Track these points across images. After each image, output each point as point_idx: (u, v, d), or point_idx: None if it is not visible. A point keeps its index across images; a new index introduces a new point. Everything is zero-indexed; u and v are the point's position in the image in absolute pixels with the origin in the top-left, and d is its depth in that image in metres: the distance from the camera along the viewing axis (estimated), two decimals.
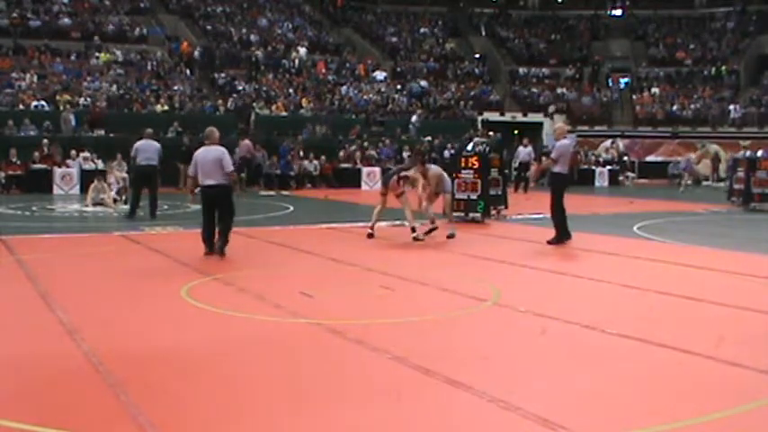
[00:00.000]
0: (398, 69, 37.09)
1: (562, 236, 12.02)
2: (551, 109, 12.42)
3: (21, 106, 25.88)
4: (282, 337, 6.40)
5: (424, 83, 36.05)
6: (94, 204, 17.67)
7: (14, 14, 31.45)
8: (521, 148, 26.40)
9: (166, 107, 27.89)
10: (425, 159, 13.41)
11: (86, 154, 23.21)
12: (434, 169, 13.26)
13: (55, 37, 30.97)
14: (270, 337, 6.40)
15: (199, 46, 33.10)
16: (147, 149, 15.32)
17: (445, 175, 13.35)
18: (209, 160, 10.29)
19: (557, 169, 12.08)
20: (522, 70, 40.18)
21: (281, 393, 5.00)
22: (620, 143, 34.35)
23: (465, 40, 42.50)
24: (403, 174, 12.74)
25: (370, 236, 12.44)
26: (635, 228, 14.47)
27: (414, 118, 31.37)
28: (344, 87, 33.37)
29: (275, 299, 7.71)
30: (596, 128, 36.67)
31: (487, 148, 16.64)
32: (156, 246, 11.36)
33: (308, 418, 4.53)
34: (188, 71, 31.57)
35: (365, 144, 27.96)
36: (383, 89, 34.17)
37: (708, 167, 32.80)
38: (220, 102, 29.33)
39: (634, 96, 38.64)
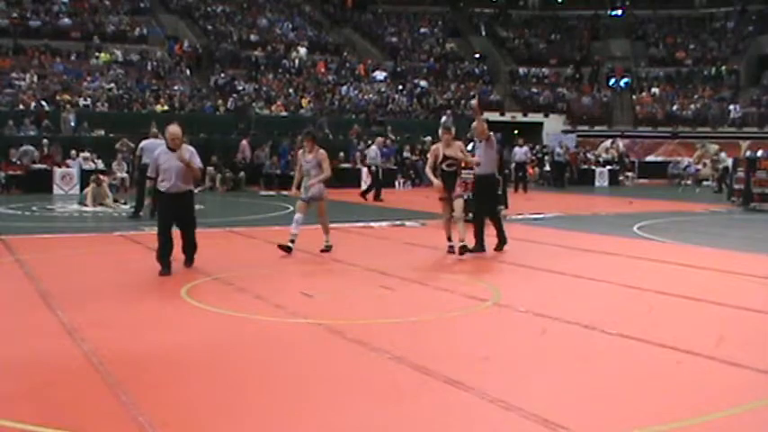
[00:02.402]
0: (399, 69, 37.10)
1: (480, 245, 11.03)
2: (472, 102, 11.24)
3: (21, 106, 25.88)
4: (282, 337, 6.40)
5: (423, 83, 36.07)
6: (95, 204, 17.68)
7: (14, 14, 31.45)
8: (517, 149, 26.42)
9: (166, 107, 27.89)
10: (315, 139, 10.88)
11: (86, 154, 23.20)
12: (321, 153, 10.77)
13: (55, 37, 30.98)
14: (270, 337, 6.40)
15: (187, 42, 33.12)
16: (152, 149, 15.32)
17: (326, 171, 10.77)
18: None
19: (483, 171, 10.99)
20: (522, 70, 40.21)
21: (281, 393, 5.00)
22: (620, 143, 34.36)
23: (465, 40, 42.52)
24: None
25: (452, 249, 10.77)
26: (635, 228, 14.47)
27: (444, 119, 31.45)
28: (344, 87, 33.37)
29: (275, 299, 7.71)
30: (596, 128, 36.71)
31: None
32: (156, 246, 11.33)
33: (308, 418, 4.53)
34: (188, 71, 31.59)
35: (367, 143, 27.97)
36: (383, 89, 34.18)
37: (708, 167, 32.79)
38: (220, 102, 29.34)
39: (634, 96, 38.66)
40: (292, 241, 10.53)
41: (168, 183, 9.05)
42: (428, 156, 11.25)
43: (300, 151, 10.95)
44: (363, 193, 21.85)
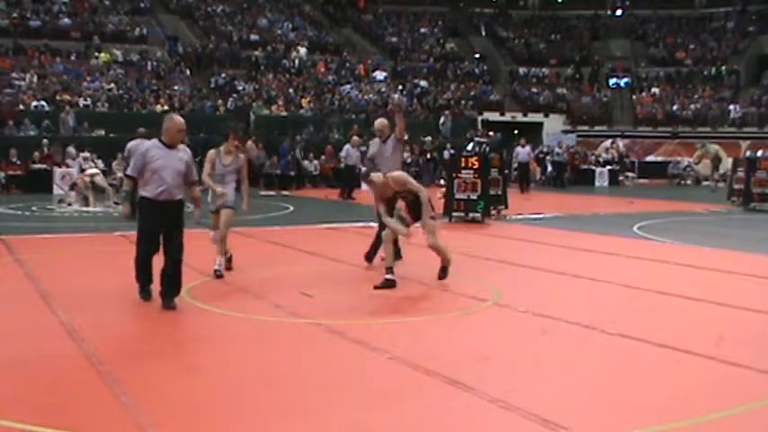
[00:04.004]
0: (399, 69, 37.10)
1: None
2: (395, 97, 10.01)
3: (21, 106, 25.89)
4: (282, 337, 6.40)
5: (423, 83, 36.09)
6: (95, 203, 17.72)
7: (14, 14, 31.45)
8: (519, 149, 26.39)
9: (166, 107, 27.89)
10: (238, 137, 9.45)
11: (86, 154, 23.18)
12: (242, 158, 9.39)
13: (55, 37, 30.98)
14: (270, 337, 6.40)
15: (181, 45, 33.16)
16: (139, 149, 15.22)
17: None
18: None
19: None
20: (522, 70, 40.21)
21: (281, 393, 5.00)
22: (620, 143, 34.36)
23: (465, 40, 42.51)
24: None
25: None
26: (635, 228, 14.47)
27: (442, 119, 31.49)
28: (344, 87, 33.37)
29: (275, 299, 7.71)
30: (596, 128, 36.69)
31: (487, 148, 16.66)
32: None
33: (308, 418, 4.53)
34: (188, 71, 31.60)
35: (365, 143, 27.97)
36: (383, 89, 34.19)
37: (708, 167, 32.78)
38: (220, 102, 29.34)
39: (634, 96, 38.65)
40: (227, 260, 9.06)
41: (159, 187, 7.15)
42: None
43: (214, 151, 9.06)
44: (348, 194, 21.87)
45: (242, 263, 9.96)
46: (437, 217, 8.60)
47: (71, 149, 23.06)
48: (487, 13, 44.51)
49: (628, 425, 4.40)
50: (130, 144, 15.40)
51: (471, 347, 6.08)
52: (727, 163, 26.77)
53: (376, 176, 8.40)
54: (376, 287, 8.27)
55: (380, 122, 10.00)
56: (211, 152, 9.04)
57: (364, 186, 8.51)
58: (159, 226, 7.26)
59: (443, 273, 8.64)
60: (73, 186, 18.84)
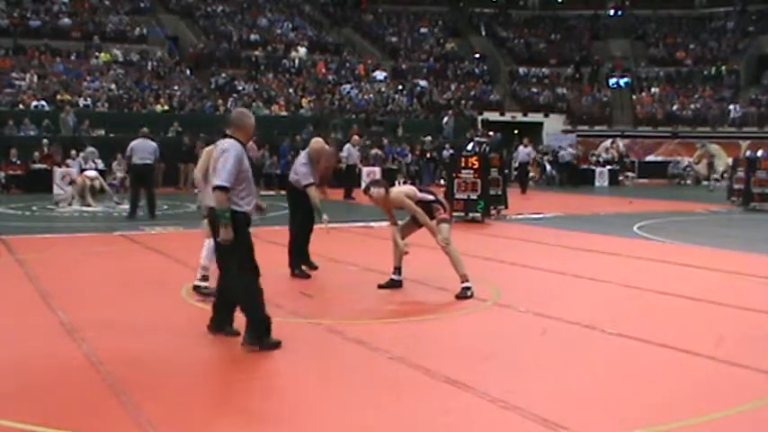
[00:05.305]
0: (399, 69, 37.08)
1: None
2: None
3: (21, 106, 25.89)
4: (282, 337, 6.38)
5: (423, 83, 36.10)
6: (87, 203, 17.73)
7: (14, 14, 31.46)
8: (521, 148, 26.38)
9: (166, 107, 27.90)
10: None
11: (92, 149, 23.15)
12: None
13: (55, 37, 30.98)
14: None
15: (180, 47, 33.25)
16: (141, 149, 15.30)
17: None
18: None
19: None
20: (522, 70, 40.21)
21: (280, 393, 5.00)
22: (620, 143, 34.36)
23: (465, 40, 42.52)
24: None
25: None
26: (635, 228, 14.47)
27: (445, 119, 31.46)
28: (344, 87, 33.37)
29: (275, 299, 7.69)
30: (596, 128, 36.69)
31: (487, 148, 16.65)
32: (156, 246, 11.35)
33: (308, 418, 4.53)
34: (188, 71, 31.61)
35: (367, 142, 27.97)
36: (383, 89, 34.19)
37: (706, 167, 32.80)
38: (220, 102, 29.34)
39: (634, 96, 38.66)
40: (205, 278, 7.72)
41: (254, 199, 6.00)
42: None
43: (209, 148, 7.15)
44: (348, 194, 21.81)
45: None
46: (450, 221, 8.36)
47: (92, 149, 22.95)
48: (487, 13, 44.51)
49: (628, 425, 4.40)
50: (133, 143, 15.47)
51: (471, 347, 6.08)
52: (727, 162, 26.79)
53: (376, 192, 8.23)
54: (380, 286, 8.29)
55: (321, 144, 9.58)
56: (210, 149, 6.95)
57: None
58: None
59: (462, 292, 7.84)
60: (71, 183, 18.86)
